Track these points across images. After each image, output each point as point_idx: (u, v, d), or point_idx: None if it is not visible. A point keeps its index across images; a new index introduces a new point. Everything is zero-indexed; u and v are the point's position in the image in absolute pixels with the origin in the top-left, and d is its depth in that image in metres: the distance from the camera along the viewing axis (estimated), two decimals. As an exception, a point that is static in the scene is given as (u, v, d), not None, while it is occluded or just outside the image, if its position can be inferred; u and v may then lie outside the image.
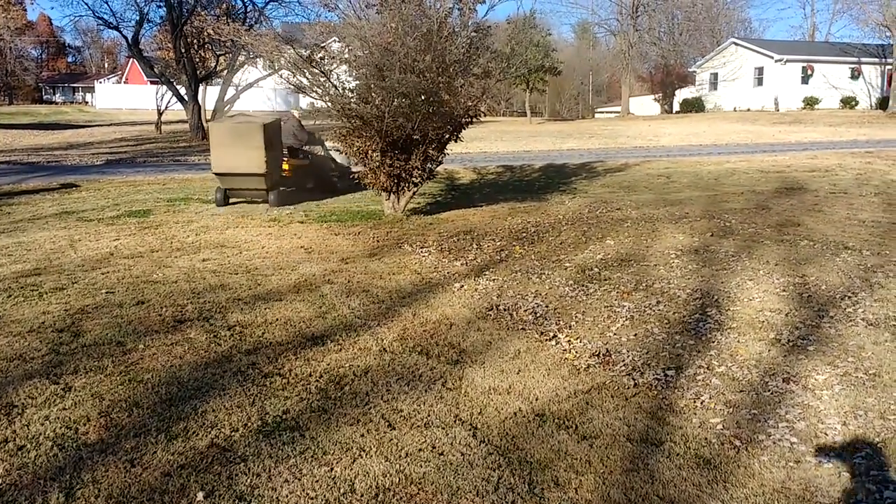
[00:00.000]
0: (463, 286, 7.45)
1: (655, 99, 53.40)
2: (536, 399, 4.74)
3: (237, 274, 7.71)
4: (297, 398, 4.58)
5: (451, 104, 10.41)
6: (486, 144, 24.57)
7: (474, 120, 11.35)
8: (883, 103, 43.88)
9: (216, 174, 12.50)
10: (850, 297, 6.79)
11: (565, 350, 5.71)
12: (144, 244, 9.30)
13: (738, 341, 5.81)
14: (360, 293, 7.09)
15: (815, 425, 4.33)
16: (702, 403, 4.69)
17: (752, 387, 4.93)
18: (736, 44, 50.46)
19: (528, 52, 34.64)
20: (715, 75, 51.04)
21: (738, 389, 4.89)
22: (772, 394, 4.80)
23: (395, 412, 4.44)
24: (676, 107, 50.83)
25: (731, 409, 4.58)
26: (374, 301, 6.87)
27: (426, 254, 8.83)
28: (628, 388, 4.95)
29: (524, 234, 9.88)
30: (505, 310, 6.72)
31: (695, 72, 52.92)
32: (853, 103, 46.08)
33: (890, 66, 43.86)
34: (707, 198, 13.04)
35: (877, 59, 46.90)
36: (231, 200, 12.75)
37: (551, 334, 6.06)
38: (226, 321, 6.11)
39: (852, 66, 47.36)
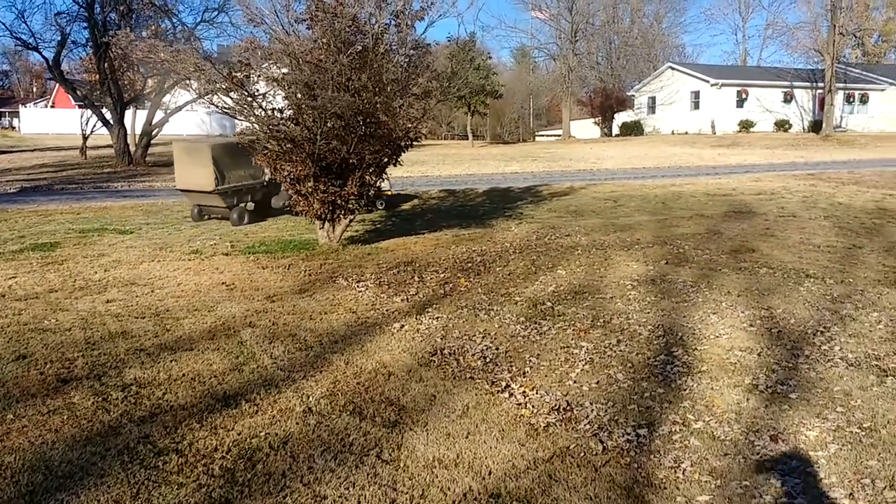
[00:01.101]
0: (403, 326, 6.67)
1: (595, 122, 53.66)
2: (490, 473, 3.97)
3: (144, 318, 6.76)
4: (195, 485, 3.70)
5: (390, 126, 9.67)
6: (427, 168, 23.91)
7: (415, 142, 10.63)
8: (815, 126, 44.85)
9: (179, 190, 13.80)
10: (822, 333, 6.23)
11: (520, 404, 4.96)
12: (43, 283, 8.25)
13: (712, 388, 5.15)
14: (285, 338, 6.23)
15: (819, 500, 3.66)
16: (684, 473, 3.98)
17: (736, 448, 4.25)
18: (672, 68, 51.13)
19: (470, 73, 34.37)
20: (653, 99, 51.59)
21: (721, 452, 4.21)
22: (761, 458, 4.12)
23: (316, 500, 3.62)
24: (616, 130, 51.16)
25: (718, 481, 3.88)
26: (302, 347, 6.02)
27: (363, 289, 8.02)
28: (596, 453, 4.22)
29: (470, 265, 9.15)
30: (450, 354, 5.95)
31: (633, 95, 53.43)
32: (786, 126, 46.98)
33: (821, 91, 44.90)
34: (657, 222, 12.55)
35: (808, 84, 48.02)
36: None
37: (503, 384, 5.31)
38: (120, 379, 5.18)
39: (785, 90, 48.38)
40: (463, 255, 9.69)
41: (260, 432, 4.37)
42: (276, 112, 9.48)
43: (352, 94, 9.04)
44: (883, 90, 48.99)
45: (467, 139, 50.57)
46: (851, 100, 48.65)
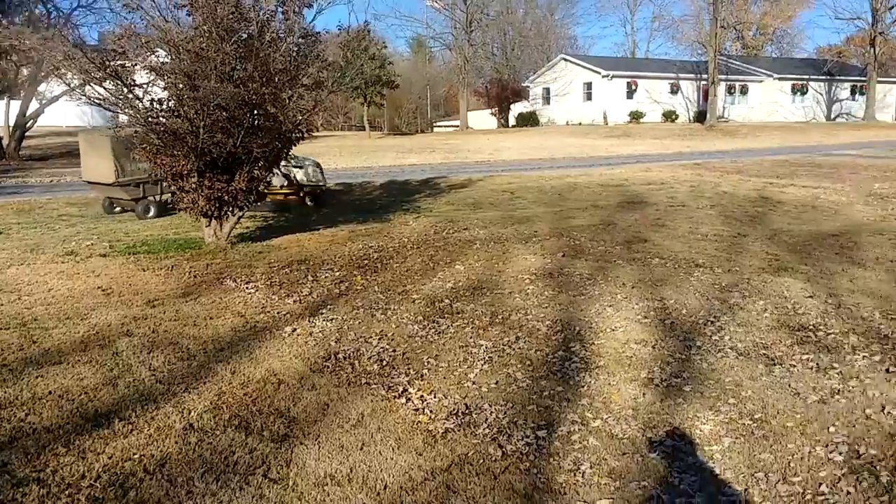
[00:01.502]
0: (295, 329, 6.37)
1: (492, 113, 54.07)
2: (385, 487, 3.77)
3: (8, 329, 6.19)
4: (56, 522, 3.35)
5: (279, 117, 9.28)
6: (323, 160, 23.32)
7: (307, 135, 10.27)
8: (700, 117, 46.67)
9: (85, 181, 13.89)
10: (713, 323, 6.33)
11: (418, 409, 4.78)
12: None
13: (610, 384, 5.12)
14: (166, 347, 5.83)
15: (717, 498, 3.64)
16: (583, 476, 3.90)
17: (634, 446, 4.21)
18: (566, 59, 52.06)
19: (364, 63, 33.91)
20: (547, 90, 52.42)
21: (620, 451, 4.15)
22: (659, 455, 4.09)
23: (195, 530, 3.33)
24: (512, 121, 51.71)
25: (617, 482, 3.82)
26: (184, 357, 5.64)
27: (252, 290, 7.65)
28: (496, 459, 4.09)
29: (366, 262, 8.91)
30: (345, 358, 5.71)
31: (528, 86, 54.13)
32: (674, 117, 48.67)
33: (705, 82, 46.71)
34: (553, 214, 12.63)
35: (693, 75, 49.85)
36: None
37: (400, 388, 5.12)
38: (-24, 401, 4.69)
39: (671, 81, 50.07)
40: (359, 252, 9.43)
41: (134, 454, 4.01)
42: (155, 103, 8.92)
43: (237, 84, 8.61)
44: (761, 82, 51.46)
45: (364, 130, 50.07)
46: (733, 91, 50.88)
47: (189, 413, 4.61)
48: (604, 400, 4.86)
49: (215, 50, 8.47)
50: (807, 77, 52.52)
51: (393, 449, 4.21)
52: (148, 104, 8.89)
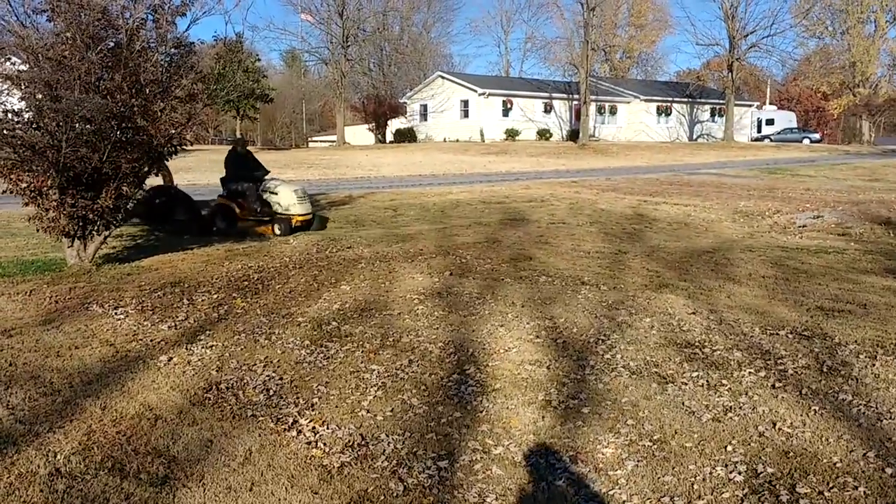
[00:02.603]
0: (172, 358, 5.92)
1: (370, 128, 53.84)
2: (279, 533, 3.47)
3: None
4: None
5: (150, 131, 8.71)
6: (196, 175, 22.38)
7: (179, 149, 9.71)
8: (573, 135, 48.19)
9: None
10: (604, 341, 6.35)
11: (311, 443, 4.49)
12: None
13: (508, 408, 5.01)
14: (26, 382, 5.26)
15: (626, 526, 3.56)
16: (490, 509, 3.73)
17: (539, 474, 4.09)
18: (442, 77, 52.62)
19: (238, 75, 32.90)
20: (425, 107, 52.75)
21: (525, 480, 4.02)
22: (565, 483, 3.99)
23: None
24: (390, 137, 51.71)
25: (525, 514, 3.68)
26: (47, 392, 5.10)
27: (122, 316, 7.07)
28: (397, 495, 3.86)
29: (246, 283, 8.46)
30: (228, 389, 5.33)
31: (406, 103, 54.30)
32: (548, 135, 50.08)
33: (577, 102, 48.35)
34: (437, 232, 12.54)
35: (565, 95, 51.53)
36: None
37: (290, 420, 4.81)
38: None
39: (545, 100, 51.55)
40: (238, 273, 8.97)
41: (-13, 513, 3.52)
42: (10, 115, 8.16)
43: (104, 95, 8.02)
44: (629, 102, 53.83)
45: (239, 144, 48.63)
46: (603, 111, 52.92)
47: (55, 456, 4.14)
48: (504, 425, 4.74)
49: (79, 58, 7.86)
50: (670, 99, 55.39)
51: (286, 488, 3.91)
52: (1, 115, 8.11)
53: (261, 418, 4.82)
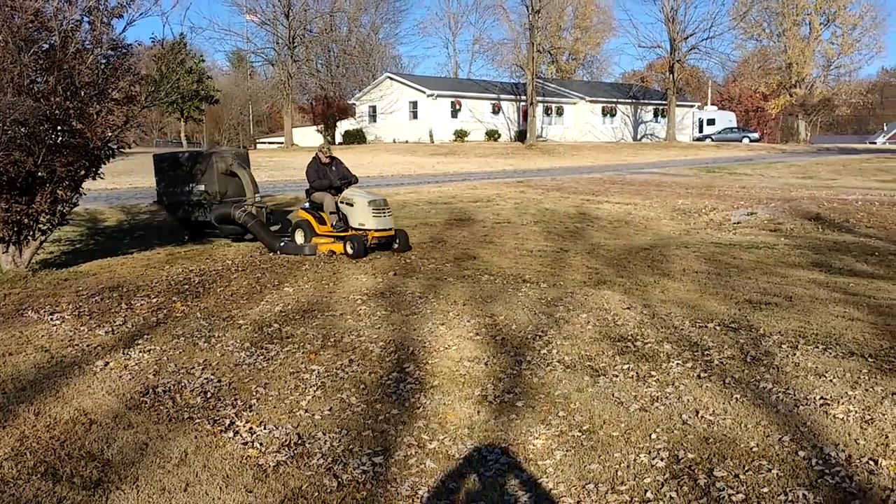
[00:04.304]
0: (108, 363, 5.88)
1: (318, 130, 53.40)
2: (212, 531, 3.52)
3: None
4: None
5: (86, 134, 8.60)
6: (137, 179, 21.96)
7: (117, 152, 9.60)
8: (521, 136, 48.62)
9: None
10: (541, 337, 6.50)
11: (247, 443, 4.53)
12: None
13: (445, 403, 5.11)
14: (-45, 390, 5.18)
15: (552, 513, 3.69)
16: (422, 501, 3.84)
17: (471, 466, 4.21)
18: (391, 78, 52.54)
19: (181, 77, 32.34)
20: (374, 108, 52.62)
21: (457, 473, 4.13)
22: (495, 474, 4.10)
23: None
24: (339, 138, 51.47)
25: (456, 505, 3.78)
26: (-23, 400, 5.03)
27: (58, 321, 6.99)
28: (331, 490, 3.93)
29: (186, 287, 8.42)
30: (165, 392, 5.33)
31: (355, 104, 54.06)
32: (496, 136, 50.40)
33: (524, 103, 48.78)
34: (383, 232, 12.56)
35: (513, 97, 51.91)
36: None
37: (227, 422, 4.84)
38: None
39: (493, 102, 51.86)
40: (179, 276, 8.90)
41: (-88, 521, 3.49)
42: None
43: (37, 98, 7.90)
44: (575, 104, 54.51)
45: (182, 146, 47.96)
46: (550, 112, 53.48)
47: (-16, 464, 4.10)
48: (440, 420, 4.84)
49: (12, 61, 7.74)
50: (615, 100, 56.23)
51: (220, 488, 3.95)
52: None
53: (197, 420, 4.84)
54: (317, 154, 10.96)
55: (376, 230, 10.27)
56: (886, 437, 4.22)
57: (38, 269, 9.09)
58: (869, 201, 15.87)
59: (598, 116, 55.07)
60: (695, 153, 41.79)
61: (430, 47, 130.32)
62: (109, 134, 8.98)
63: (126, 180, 20.05)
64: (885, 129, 72.98)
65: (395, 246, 10.59)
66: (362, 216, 10.25)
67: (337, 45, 53.13)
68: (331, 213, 10.47)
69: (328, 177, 10.70)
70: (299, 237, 10.69)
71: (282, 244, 10.50)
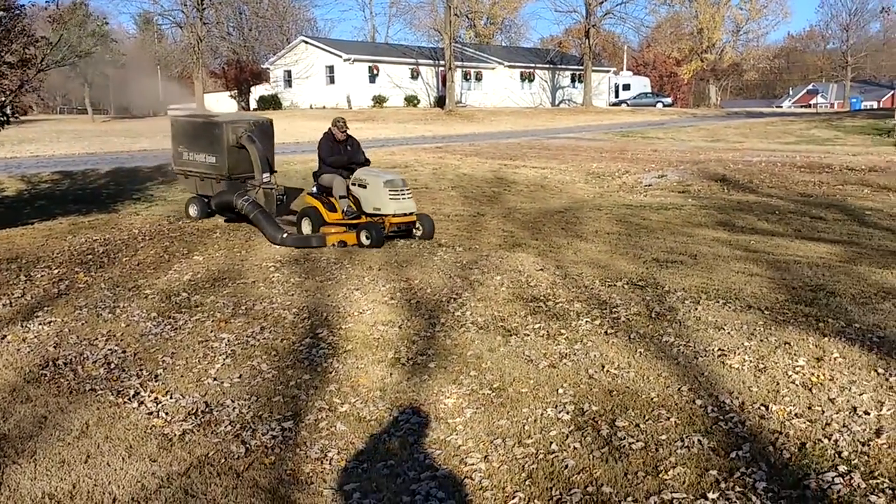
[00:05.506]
0: (6, 336, 5.66)
1: (231, 96, 51.92)
2: (115, 501, 3.44)
3: None
4: None
5: (-24, 98, 8.14)
6: (38, 147, 20.96)
7: (13, 118, 9.13)
8: (440, 102, 48.42)
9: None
10: (455, 299, 6.54)
11: (152, 413, 4.43)
12: None
13: (358, 367, 5.11)
14: None
15: (459, 469, 3.75)
16: (331, 463, 3.84)
17: (381, 427, 4.23)
18: (306, 42, 51.38)
19: (84, 39, 30.92)
20: (289, 73, 51.42)
21: (367, 434, 4.14)
22: (405, 433, 4.13)
23: None
24: (254, 104, 50.21)
25: (365, 465, 3.80)
26: None
27: (-49, 295, 6.65)
28: (238, 457, 3.89)
29: (91, 257, 8.12)
30: (66, 365, 5.16)
31: (269, 69, 52.72)
32: (415, 101, 50.08)
33: (443, 68, 48.56)
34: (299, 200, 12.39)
35: (432, 62, 51.56)
36: None
37: (132, 392, 4.72)
38: None
39: (412, 67, 51.40)
40: (82, 247, 8.58)
41: None
42: None
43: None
44: (494, 69, 54.56)
45: (87, 113, 45.97)
46: (469, 77, 53.39)
47: None
48: (352, 384, 4.83)
49: None
50: (533, 66, 56.54)
51: (123, 458, 3.85)
52: None
53: (100, 392, 4.71)
54: (330, 129, 9.42)
55: (395, 215, 8.94)
56: (777, 383, 4.43)
57: (-72, 242, 8.62)
58: (772, 162, 16.50)
59: (517, 82, 55.31)
60: (610, 118, 42.52)
61: (346, 10, 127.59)
62: (3, 98, 8.52)
63: (27, 148, 19.13)
64: (791, 93, 75.93)
65: (418, 233, 9.20)
66: (377, 199, 8.89)
67: (249, 7, 51.58)
68: (341, 197, 9.14)
69: (343, 157, 9.40)
70: (306, 227, 9.35)
71: (284, 235, 8.91)
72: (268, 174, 9.90)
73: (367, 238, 8.66)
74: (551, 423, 4.14)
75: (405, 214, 8.99)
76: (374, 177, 9.08)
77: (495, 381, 4.78)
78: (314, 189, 9.58)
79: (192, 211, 10.48)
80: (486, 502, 3.45)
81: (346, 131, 9.41)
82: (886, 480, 3.35)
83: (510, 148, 22.00)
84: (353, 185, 9.13)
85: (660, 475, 3.53)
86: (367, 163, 9.57)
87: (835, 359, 4.74)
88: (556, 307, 6.24)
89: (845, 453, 3.60)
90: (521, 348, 5.33)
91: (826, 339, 5.10)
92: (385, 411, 4.42)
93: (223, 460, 3.84)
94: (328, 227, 9.20)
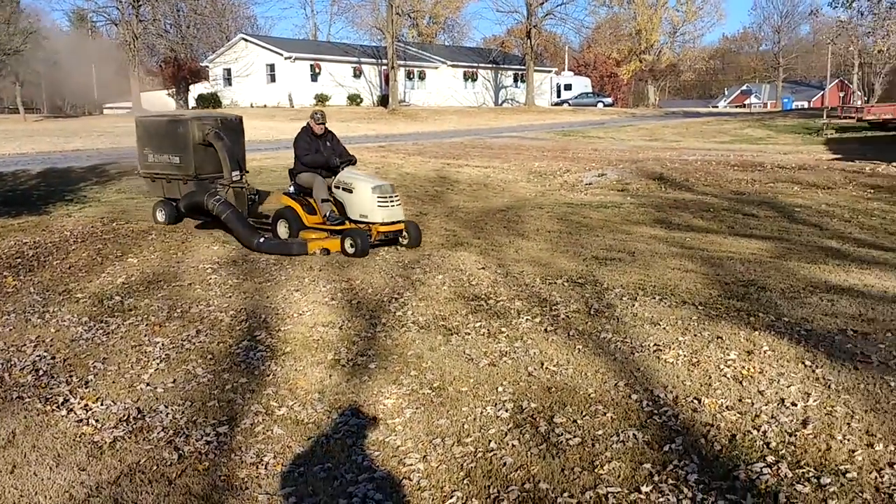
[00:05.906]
0: (-74, 345, 5.41)
1: (169, 94, 50.89)
2: (40, 514, 3.33)
3: None
4: None
5: None
6: (-35, 146, 20.32)
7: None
8: (384, 100, 48.25)
9: None
10: (397, 299, 6.52)
11: (81, 420, 4.31)
12: None
13: (296, 369, 5.05)
14: None
15: (398, 469, 3.73)
16: (266, 468, 3.78)
17: (319, 429, 4.18)
18: (246, 40, 50.62)
19: (14, 37, 29.92)
20: (228, 71, 50.60)
21: (305, 437, 4.09)
22: (343, 435, 4.10)
23: None
24: (193, 102, 49.29)
25: (302, 468, 3.75)
26: None
27: None
28: (171, 463, 3.81)
29: (19, 260, 7.86)
30: (-9, 373, 4.96)
31: (208, 67, 51.83)
32: (358, 100, 49.80)
33: (385, 67, 48.39)
34: (237, 199, 12.17)
35: (374, 60, 51.34)
36: None
37: (61, 399, 4.58)
38: None
39: (354, 65, 51.10)
40: (11, 250, 8.29)
41: None
42: None
43: None
44: (437, 68, 54.61)
45: (18, 113, 44.49)
46: (412, 76, 53.34)
47: None
48: (290, 387, 4.77)
49: None
50: (476, 65, 56.79)
51: (50, 468, 3.74)
52: None
53: (28, 399, 4.55)
54: (308, 123, 8.80)
55: (383, 223, 8.37)
56: (710, 377, 4.53)
57: None
58: (707, 161, 16.90)
59: (460, 81, 55.49)
60: (552, 117, 42.98)
61: (287, 7, 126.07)
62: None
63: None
64: (726, 93, 77.95)
65: (404, 242, 8.63)
66: (364, 206, 8.34)
67: (186, 4, 50.53)
68: (323, 200, 8.57)
69: (322, 153, 8.75)
70: (282, 230, 8.82)
71: (261, 240, 8.39)
72: (237, 172, 9.50)
73: (353, 247, 8.10)
74: (490, 421, 4.16)
75: (394, 223, 8.50)
76: (363, 182, 8.52)
77: (435, 381, 4.77)
78: (291, 188, 9.04)
79: (160, 216, 9.97)
80: (424, 502, 3.44)
81: (323, 124, 8.80)
82: (812, 469, 3.46)
83: (453, 147, 22.05)
84: (337, 188, 8.60)
85: (595, 470, 3.58)
86: (351, 161, 8.92)
87: (764, 352, 4.88)
88: (497, 305, 6.27)
89: (773, 444, 3.70)
90: (462, 347, 5.33)
91: (756, 332, 5.24)
92: (324, 413, 4.38)
93: (155, 467, 3.75)
94: (308, 232, 8.60)
